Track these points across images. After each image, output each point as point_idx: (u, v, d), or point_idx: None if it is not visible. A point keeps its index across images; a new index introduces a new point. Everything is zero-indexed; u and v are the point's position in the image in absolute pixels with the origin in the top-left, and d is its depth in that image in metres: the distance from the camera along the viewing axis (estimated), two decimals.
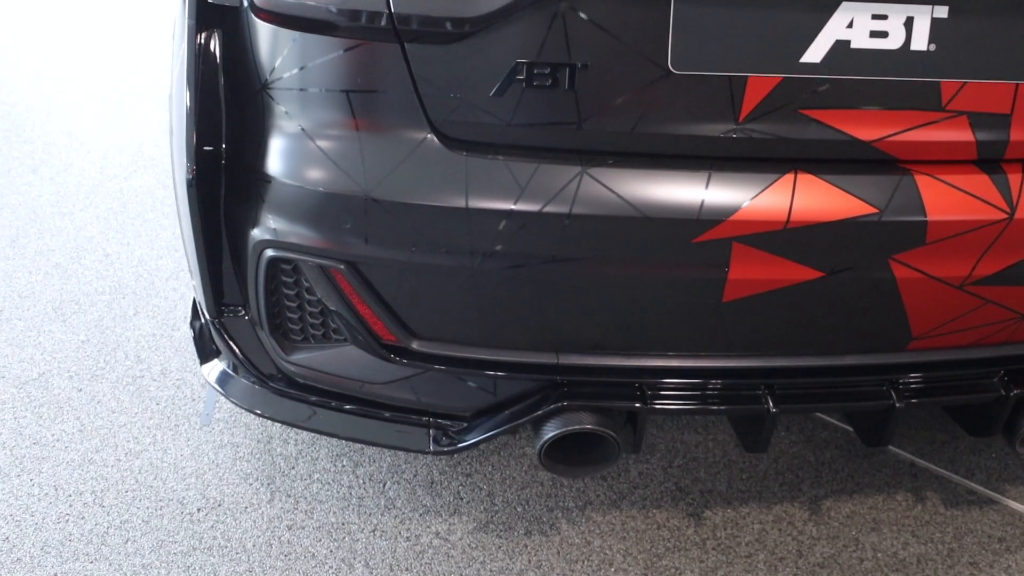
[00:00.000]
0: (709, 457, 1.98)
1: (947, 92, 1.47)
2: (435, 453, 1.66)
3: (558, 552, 1.77)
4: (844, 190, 1.47)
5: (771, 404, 1.60)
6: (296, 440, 2.01)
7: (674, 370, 1.60)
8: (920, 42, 1.43)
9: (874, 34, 1.42)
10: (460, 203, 1.43)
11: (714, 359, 1.60)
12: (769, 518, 1.85)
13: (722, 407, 1.63)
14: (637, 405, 1.59)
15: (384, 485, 1.91)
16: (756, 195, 1.45)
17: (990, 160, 1.53)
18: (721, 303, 1.50)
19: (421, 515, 1.84)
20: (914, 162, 1.50)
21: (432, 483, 1.91)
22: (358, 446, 1.94)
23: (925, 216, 1.48)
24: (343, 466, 1.95)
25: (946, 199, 1.50)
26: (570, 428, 1.58)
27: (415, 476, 1.92)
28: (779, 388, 1.62)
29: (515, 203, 1.42)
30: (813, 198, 1.47)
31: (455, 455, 1.92)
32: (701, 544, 1.80)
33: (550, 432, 1.59)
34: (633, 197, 1.44)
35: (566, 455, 1.66)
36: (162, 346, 2.29)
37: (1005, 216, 1.49)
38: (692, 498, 1.89)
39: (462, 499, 1.88)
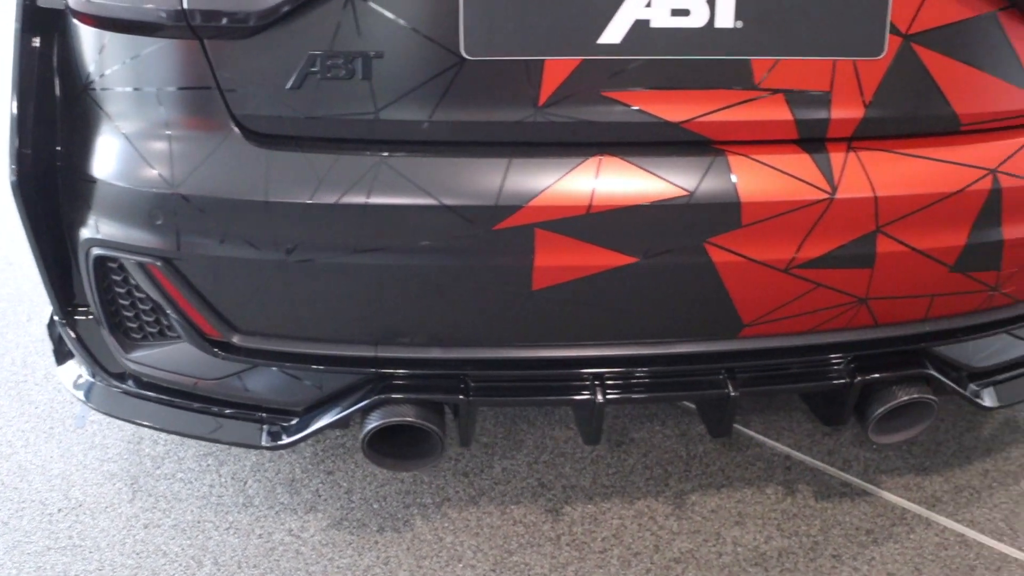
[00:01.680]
0: (577, 452, 1.95)
1: (759, 70, 1.44)
2: (267, 448, 1.65)
3: (408, 548, 1.75)
4: (652, 172, 1.45)
5: (600, 395, 1.58)
6: (165, 440, 2.01)
7: (497, 361, 1.59)
8: (726, 19, 1.41)
9: (675, 12, 1.40)
10: (261, 197, 1.42)
11: (537, 349, 1.58)
12: (630, 513, 1.82)
13: (549, 399, 1.61)
14: (460, 397, 1.57)
15: (245, 483, 1.90)
16: (557, 180, 1.43)
17: (812, 139, 1.50)
18: (532, 291, 1.48)
19: (277, 513, 1.83)
20: (728, 143, 1.48)
21: (293, 481, 1.90)
22: (225, 445, 1.94)
23: (738, 198, 1.45)
24: (208, 465, 1.95)
25: (761, 180, 1.47)
26: (388, 421, 1.56)
27: (277, 474, 1.91)
28: (609, 378, 1.60)
29: (312, 196, 1.42)
30: (618, 182, 1.45)
31: (291, 449, 1.90)
32: (555, 540, 1.77)
33: (370, 424, 1.58)
34: (432, 186, 1.42)
35: (396, 448, 1.65)
36: (49, 351, 2.30)
37: (826, 196, 1.46)
38: (553, 494, 1.86)
39: (320, 496, 1.86)
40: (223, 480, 1.91)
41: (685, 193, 1.43)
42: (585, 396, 1.58)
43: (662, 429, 2.01)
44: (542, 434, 1.99)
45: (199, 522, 1.82)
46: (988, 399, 1.77)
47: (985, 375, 1.78)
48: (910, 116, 1.51)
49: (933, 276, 1.58)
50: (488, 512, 1.82)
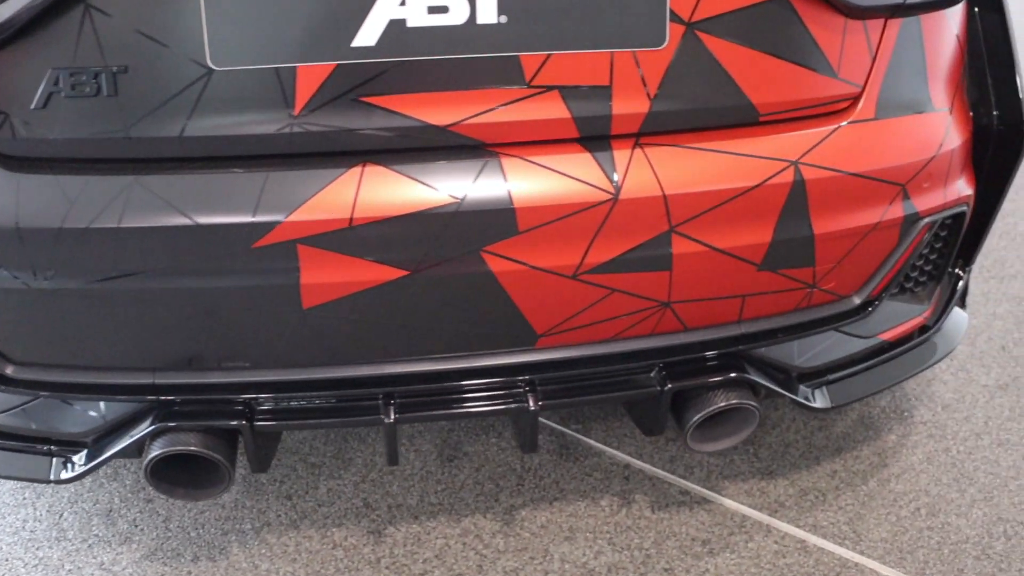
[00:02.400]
0: (406, 470, 1.85)
1: (529, 67, 1.35)
2: (54, 482, 1.55)
3: None
4: (418, 180, 1.35)
5: (391, 415, 1.49)
6: None
7: (281, 384, 1.48)
8: (488, 15, 1.31)
9: (433, 10, 1.30)
10: (12, 223, 1.32)
11: (321, 370, 1.48)
12: (456, 532, 1.73)
13: (338, 420, 1.51)
14: (242, 423, 1.47)
15: (61, 516, 1.79)
16: (316, 192, 1.32)
17: (595, 137, 1.40)
18: (303, 310, 1.38)
19: (90, 546, 1.72)
20: (502, 144, 1.38)
21: (110, 511, 1.79)
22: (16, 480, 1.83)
23: (512, 203, 1.36)
24: (24, 498, 1.82)
25: (537, 183, 1.37)
26: (168, 450, 1.45)
27: (95, 504, 1.81)
28: (401, 396, 1.51)
29: (64, 221, 1.31)
30: (383, 191, 1.35)
31: (77, 481, 1.72)
32: (375, 563, 1.67)
33: (151, 454, 1.48)
34: (186, 205, 1.31)
35: (190, 476, 1.55)
36: None
37: (609, 197, 1.37)
38: (378, 514, 1.77)
39: (137, 526, 1.76)
40: (38, 514, 1.79)
41: (454, 200, 1.34)
42: (375, 417, 1.48)
43: (498, 441, 1.91)
44: (372, 451, 1.89)
45: (7, 559, 1.70)
46: (820, 400, 1.69)
47: (817, 375, 1.70)
48: (702, 108, 1.42)
49: (741, 276, 1.49)
50: (308, 536, 1.72)
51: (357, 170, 1.34)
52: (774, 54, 1.41)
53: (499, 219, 1.35)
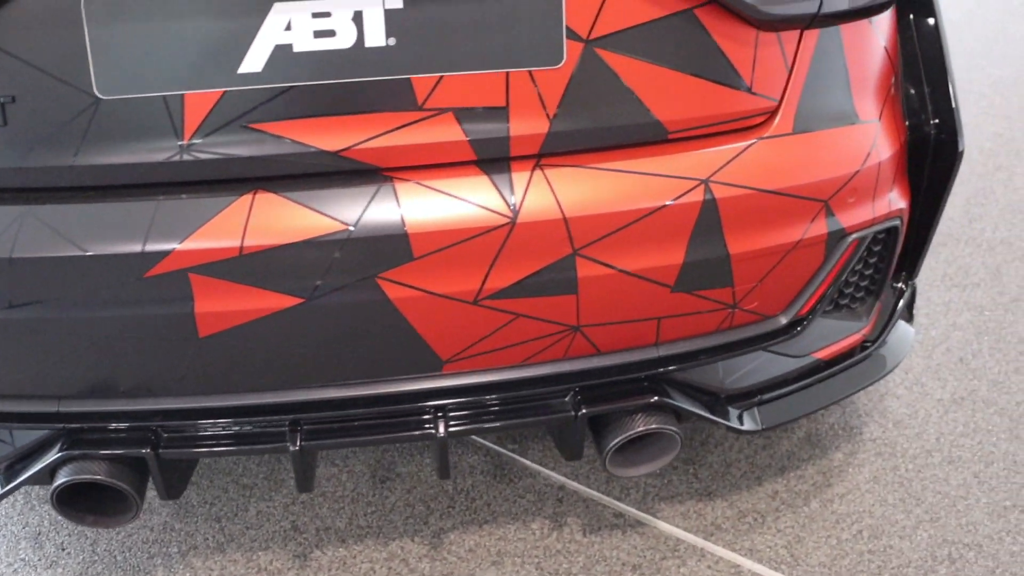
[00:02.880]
0: (338, 491, 1.81)
1: (421, 89, 1.30)
2: None
3: None
4: (309, 207, 1.31)
5: (298, 442, 1.45)
6: None
7: (185, 412, 1.45)
8: (376, 38, 1.27)
9: (319, 34, 1.26)
10: None
11: (227, 398, 1.44)
12: (382, 556, 1.69)
13: (243, 449, 1.47)
14: (147, 450, 1.44)
15: None
16: (206, 221, 1.29)
17: (493, 159, 1.36)
18: (200, 339, 1.35)
19: (16, 571, 1.71)
20: (396, 169, 1.34)
21: (39, 534, 1.76)
22: None
23: (405, 228, 1.32)
24: None
25: (432, 208, 1.32)
26: (72, 479, 1.42)
27: (24, 527, 1.78)
28: (308, 424, 1.47)
29: None
30: (274, 219, 1.30)
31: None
32: None
33: (57, 481, 1.45)
34: (78, 235, 1.28)
35: (99, 504, 1.53)
36: None
37: (507, 221, 1.32)
38: (305, 537, 1.73)
39: (64, 550, 1.73)
40: None
41: (345, 227, 1.30)
42: (281, 444, 1.44)
43: (432, 463, 1.87)
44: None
45: None
46: (750, 422, 1.62)
47: (747, 396, 1.64)
48: (605, 127, 1.37)
49: (654, 298, 1.44)
50: (234, 560, 1.69)
51: (248, 197, 1.30)
52: (681, 70, 1.36)
53: (393, 245, 1.31)
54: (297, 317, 1.34)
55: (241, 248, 1.28)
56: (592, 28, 1.31)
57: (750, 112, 1.42)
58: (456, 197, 1.33)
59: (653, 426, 1.51)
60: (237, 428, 1.46)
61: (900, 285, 1.76)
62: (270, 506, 1.79)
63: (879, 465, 1.86)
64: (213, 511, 1.79)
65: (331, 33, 1.27)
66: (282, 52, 1.26)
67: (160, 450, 1.43)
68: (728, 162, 1.40)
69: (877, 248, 1.63)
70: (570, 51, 1.31)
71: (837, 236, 1.50)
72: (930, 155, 1.64)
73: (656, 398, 1.49)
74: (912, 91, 1.65)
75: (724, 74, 1.38)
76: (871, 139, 1.52)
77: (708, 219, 1.39)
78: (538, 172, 1.35)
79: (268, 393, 1.44)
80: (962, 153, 1.62)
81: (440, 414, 1.46)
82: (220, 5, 1.24)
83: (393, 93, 1.30)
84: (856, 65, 1.50)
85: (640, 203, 1.36)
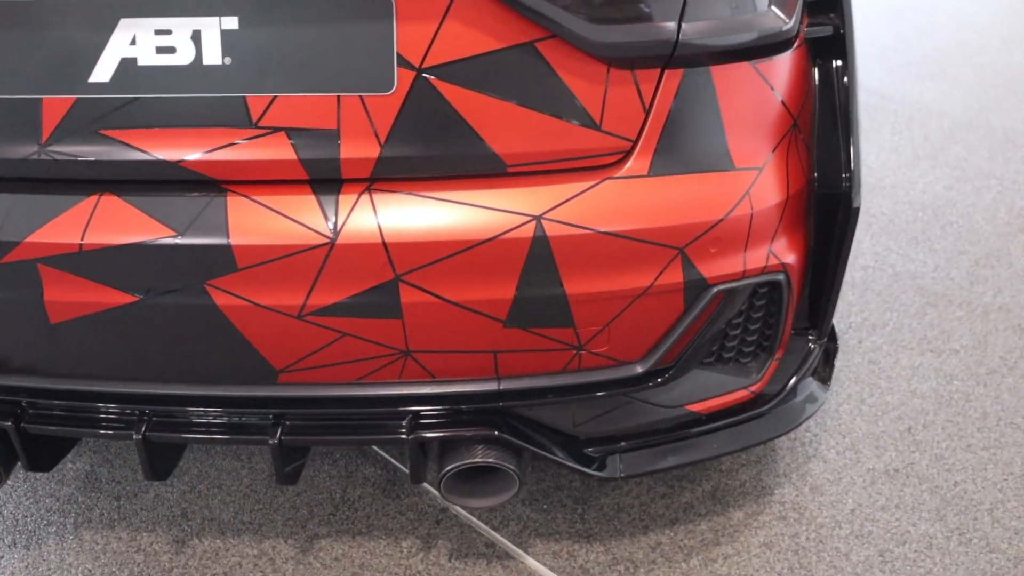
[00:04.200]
0: (234, 485, 1.83)
1: (256, 108, 1.31)
2: None
3: (28, 565, 1.69)
4: (145, 212, 1.34)
5: (142, 431, 1.48)
6: None
7: (44, 391, 1.50)
8: (213, 56, 1.29)
9: (161, 50, 1.29)
10: None
11: (82, 382, 1.48)
12: (253, 552, 1.70)
13: (93, 431, 1.50)
14: (9, 423, 1.49)
15: None
16: (54, 217, 1.34)
17: (325, 180, 1.35)
18: (52, 325, 1.40)
19: None
20: (232, 182, 1.34)
21: None
22: None
23: (228, 240, 1.32)
24: None
25: (255, 222, 1.32)
26: None
27: None
28: (155, 416, 1.50)
29: None
30: (113, 220, 1.34)
31: None
32: (167, 571, 1.66)
33: None
34: None
35: None
36: None
37: (326, 241, 1.31)
38: (191, 525, 1.76)
39: None
40: None
41: (173, 233, 1.32)
42: (127, 432, 1.47)
43: (330, 468, 1.86)
44: (212, 464, 1.89)
45: None
46: (610, 468, 1.54)
47: (608, 441, 1.55)
48: (439, 156, 1.33)
49: (486, 331, 1.39)
50: (119, 537, 1.74)
51: (94, 199, 1.34)
52: (522, 103, 1.31)
53: (218, 255, 1.32)
54: (134, 314, 1.37)
55: (81, 245, 1.33)
56: (425, 57, 1.28)
57: (600, 151, 1.35)
58: (280, 214, 1.32)
59: (490, 460, 1.46)
60: (89, 413, 1.50)
61: (809, 343, 1.64)
62: (169, 491, 1.84)
63: (779, 530, 1.73)
64: (118, 489, 1.86)
65: (172, 50, 1.29)
66: (128, 65, 1.29)
67: (22, 424, 1.51)
68: (566, 200, 1.33)
69: (760, 303, 1.53)
70: (402, 79, 1.29)
71: (696, 286, 1.41)
72: (826, 210, 1.52)
73: (491, 432, 1.45)
74: (812, 139, 1.54)
75: (569, 110, 1.32)
76: (744, 187, 1.41)
77: (540, 257, 1.33)
78: (365, 196, 1.33)
79: (117, 382, 1.49)
80: (857, 210, 1.49)
81: (276, 422, 1.48)
82: (74, 17, 1.28)
83: (229, 110, 1.31)
84: (733, 109, 1.39)
85: (466, 234, 1.32)
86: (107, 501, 1.83)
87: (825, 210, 1.53)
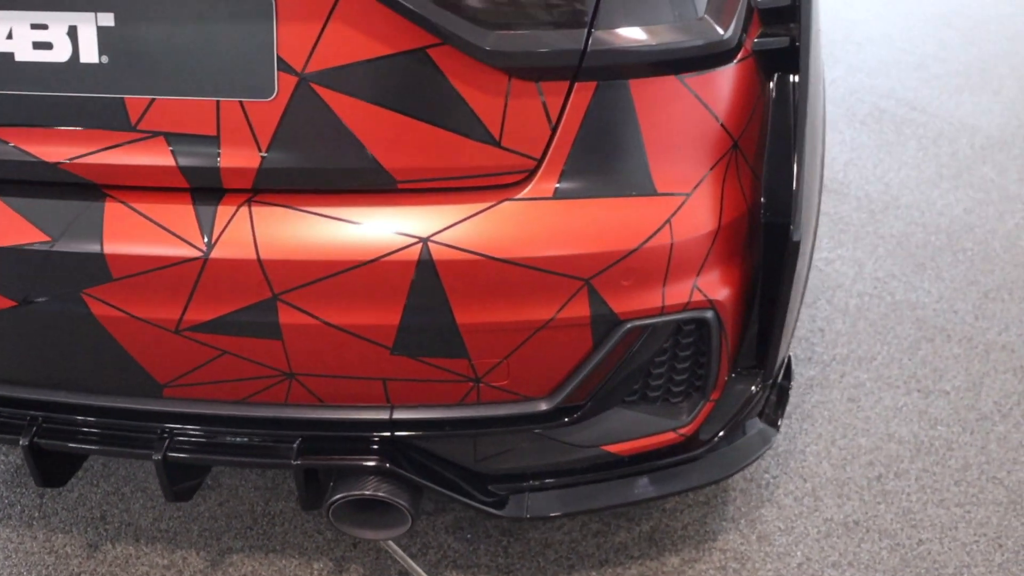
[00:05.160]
0: (158, 490, 1.74)
1: (134, 110, 1.21)
2: None
3: None
4: (21, 214, 1.25)
5: (29, 437, 1.38)
6: None
7: None
8: (90, 54, 1.19)
9: (38, 45, 1.20)
10: None
11: None
12: (163, 562, 1.61)
13: None
14: None
15: None
16: None
17: (205, 189, 1.24)
18: None
19: None
20: (112, 187, 1.25)
21: None
22: None
23: (102, 249, 1.23)
24: None
25: (130, 231, 1.23)
26: None
27: None
28: (45, 422, 1.42)
29: None
30: None
31: None
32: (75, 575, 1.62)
33: None
34: None
35: None
36: None
37: (199, 255, 1.20)
38: (107, 528, 1.68)
39: None
40: None
41: (47, 239, 1.23)
42: (14, 436, 1.39)
43: (257, 479, 1.77)
44: (140, 466, 1.82)
45: None
46: (514, 508, 1.41)
47: (514, 479, 1.42)
48: (323, 169, 1.21)
49: (372, 357, 1.27)
50: (34, 537, 1.67)
51: None
52: (413, 115, 1.18)
53: (92, 263, 1.22)
54: (14, 319, 1.29)
55: None
56: (308, 61, 1.15)
57: (498, 169, 1.21)
58: (155, 223, 1.22)
59: (379, 494, 1.34)
60: None
61: (752, 386, 1.48)
62: (92, 492, 1.77)
63: None
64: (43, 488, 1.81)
65: (48, 46, 1.19)
66: (5, 60, 1.20)
67: None
68: (457, 222, 1.20)
69: (688, 340, 1.38)
70: (283, 84, 1.17)
71: (605, 321, 1.26)
72: (774, 241, 1.36)
73: (383, 463, 1.33)
74: (769, 165, 1.37)
75: (465, 124, 1.18)
76: (664, 215, 1.25)
77: (426, 282, 1.20)
78: (243, 209, 1.22)
79: (7, 386, 1.42)
80: (797, 244, 1.32)
81: (161, 436, 1.39)
82: None
83: (108, 111, 1.21)
84: (656, 128, 1.24)
85: (346, 254, 1.20)
86: (30, 499, 1.77)
87: (773, 241, 1.38)
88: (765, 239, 1.36)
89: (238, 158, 1.21)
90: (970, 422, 1.89)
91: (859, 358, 2.04)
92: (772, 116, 1.37)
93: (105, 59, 1.19)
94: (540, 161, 1.23)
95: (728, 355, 1.40)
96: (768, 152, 1.36)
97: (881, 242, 2.41)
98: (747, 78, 1.33)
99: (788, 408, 1.91)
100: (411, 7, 1.12)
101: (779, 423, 1.58)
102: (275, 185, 1.23)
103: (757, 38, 1.34)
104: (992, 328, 2.13)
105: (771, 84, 1.38)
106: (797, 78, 1.36)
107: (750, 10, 1.32)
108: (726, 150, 1.31)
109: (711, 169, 1.29)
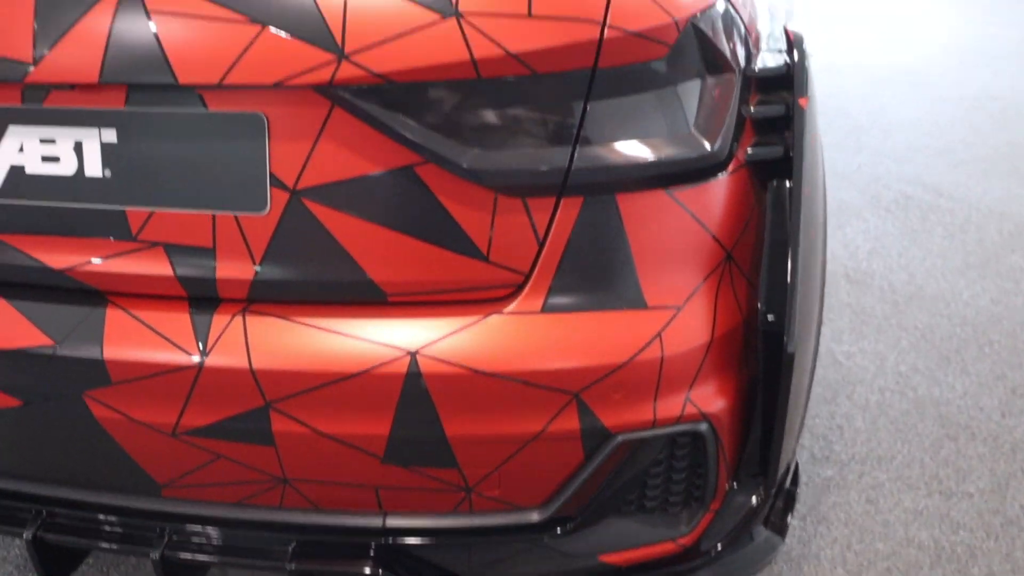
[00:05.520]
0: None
1: (135, 221, 1.25)
2: None
3: None
4: (27, 317, 1.29)
5: (33, 531, 1.40)
6: None
7: None
8: (94, 168, 1.24)
9: (46, 159, 1.25)
10: None
11: None
12: None
13: None
14: None
15: None
16: None
17: (202, 298, 1.27)
18: None
19: None
20: (114, 294, 1.29)
21: None
22: None
23: (102, 354, 1.25)
24: None
25: (129, 337, 1.26)
26: None
27: None
28: (49, 516, 1.42)
29: None
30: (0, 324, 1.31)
31: None
32: None
33: None
34: None
35: None
36: None
37: (194, 362, 1.22)
38: None
39: None
40: None
41: (51, 343, 1.26)
42: (18, 529, 1.41)
43: None
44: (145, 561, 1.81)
45: None
46: None
47: None
48: (315, 282, 1.23)
49: (363, 465, 1.26)
50: None
51: None
52: (401, 230, 1.19)
53: (93, 368, 1.25)
54: (20, 417, 1.32)
55: None
56: (299, 177, 1.18)
57: (486, 283, 1.22)
58: (153, 330, 1.25)
59: None
60: None
61: (755, 496, 1.44)
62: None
63: None
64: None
65: (56, 159, 1.24)
66: (16, 172, 1.25)
67: None
68: (446, 336, 1.21)
69: (683, 452, 1.34)
70: (275, 199, 1.20)
71: (596, 435, 1.24)
72: (773, 349, 1.33)
73: (376, 570, 1.31)
74: (767, 273, 1.35)
75: (453, 240, 1.19)
76: (654, 329, 1.24)
77: (415, 394, 1.20)
78: (238, 319, 1.24)
79: (9, 480, 1.44)
80: (792, 356, 1.29)
81: (160, 535, 1.39)
82: None
83: (110, 222, 1.25)
84: (645, 242, 1.23)
85: (337, 366, 1.21)
86: None
87: (772, 350, 1.35)
88: (764, 348, 1.34)
89: (233, 269, 1.24)
90: (995, 527, 1.81)
91: (879, 457, 1.98)
92: (769, 224, 1.36)
93: (108, 172, 1.23)
94: (528, 275, 1.23)
95: (727, 465, 1.37)
96: (765, 260, 1.35)
97: (904, 334, 2.36)
98: (740, 188, 1.32)
99: (803, 510, 1.85)
100: (395, 127, 1.15)
101: (786, 529, 1.53)
102: (268, 296, 1.25)
103: (751, 147, 1.34)
104: (1020, 426, 2.05)
105: (767, 192, 1.38)
106: (783, 190, 1.35)
107: (742, 120, 1.33)
108: (719, 261, 1.30)
109: (704, 280, 1.28)
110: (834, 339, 2.33)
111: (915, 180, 3.17)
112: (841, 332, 2.36)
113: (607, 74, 1.18)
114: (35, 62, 1.16)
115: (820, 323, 1.57)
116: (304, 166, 1.20)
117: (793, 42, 1.48)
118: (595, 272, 1.25)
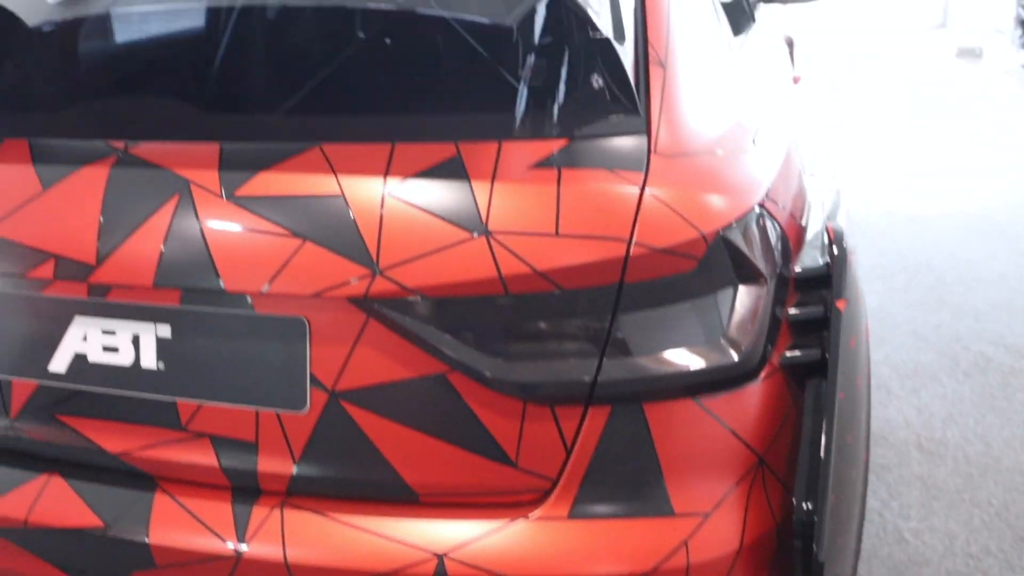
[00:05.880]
0: None
1: (185, 412, 1.33)
2: None
3: None
4: (83, 499, 1.37)
5: None
6: None
7: None
8: (149, 360, 1.33)
9: (107, 349, 1.35)
10: None
11: None
12: None
13: None
14: None
15: None
16: (8, 492, 1.40)
17: (244, 488, 1.34)
18: None
19: None
20: (165, 480, 1.37)
21: None
22: None
23: (148, 539, 1.31)
24: None
25: (174, 524, 1.33)
26: None
27: None
28: None
29: None
30: (55, 502, 1.39)
31: None
32: None
33: None
34: None
35: None
36: None
37: (232, 552, 1.27)
38: None
39: None
40: None
41: (101, 525, 1.33)
42: None
43: None
44: None
45: None
46: None
47: None
48: (351, 480, 1.28)
49: None
50: None
51: (45, 478, 1.39)
52: (433, 434, 1.23)
53: (139, 551, 1.31)
54: None
55: (26, 521, 1.37)
56: (338, 380, 1.24)
57: (515, 488, 1.24)
58: (197, 519, 1.31)
59: None
60: None
61: None
62: None
63: None
64: None
65: (116, 350, 1.34)
66: (79, 359, 1.35)
67: None
68: (472, 540, 1.22)
69: None
70: (315, 399, 1.25)
71: None
72: (800, 555, 1.28)
73: None
74: (805, 477, 1.31)
75: (483, 445, 1.22)
76: (681, 536, 1.22)
77: None
78: (276, 512, 1.28)
79: None
80: (821, 566, 1.24)
81: None
82: (40, 310, 1.35)
83: (162, 411, 1.33)
84: (672, 449, 1.23)
85: (367, 564, 1.23)
86: None
87: (808, 556, 1.30)
88: (802, 552, 1.30)
89: (273, 464, 1.30)
90: None
91: None
92: (807, 427, 1.33)
93: (162, 365, 1.32)
94: (555, 481, 1.24)
95: None
96: (802, 464, 1.31)
97: (977, 511, 2.23)
98: (773, 393, 1.31)
99: None
100: (425, 338, 1.20)
101: None
102: (305, 491, 1.30)
103: (787, 350, 1.33)
104: None
105: (804, 392, 1.36)
106: (817, 392, 1.33)
107: (777, 323, 1.32)
108: (750, 466, 1.28)
109: (734, 486, 1.26)
110: (902, 515, 2.21)
111: (997, 340, 3.06)
112: (909, 507, 2.25)
113: (634, 288, 1.21)
114: (98, 263, 1.27)
115: (863, 518, 1.51)
116: (342, 369, 1.25)
117: (833, 240, 1.48)
118: (622, 479, 1.25)
